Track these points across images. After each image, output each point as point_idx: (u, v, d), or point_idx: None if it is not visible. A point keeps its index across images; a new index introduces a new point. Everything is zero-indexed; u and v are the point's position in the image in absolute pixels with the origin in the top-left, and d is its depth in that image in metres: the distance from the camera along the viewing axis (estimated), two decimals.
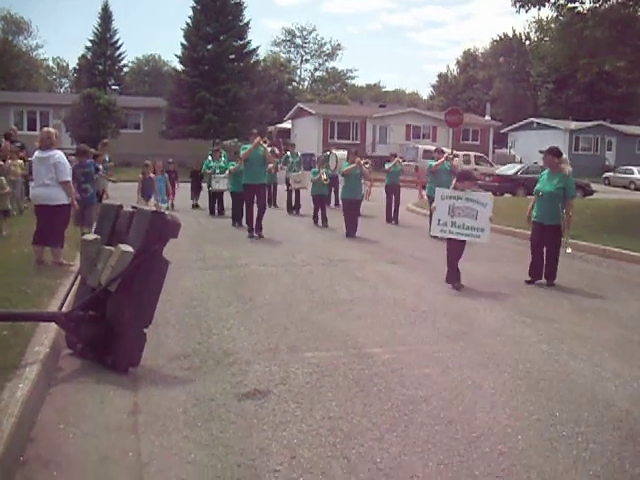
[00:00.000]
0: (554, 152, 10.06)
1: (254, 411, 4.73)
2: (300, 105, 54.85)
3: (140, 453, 4.07)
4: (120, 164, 29.49)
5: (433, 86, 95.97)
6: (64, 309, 5.89)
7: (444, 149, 17.71)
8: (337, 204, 18.98)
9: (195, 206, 19.77)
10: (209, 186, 18.57)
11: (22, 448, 4.03)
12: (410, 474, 3.86)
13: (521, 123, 55.33)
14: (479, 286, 9.54)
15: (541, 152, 10.07)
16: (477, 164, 36.34)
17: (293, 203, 19.17)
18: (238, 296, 8.48)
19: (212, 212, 18.44)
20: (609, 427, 4.63)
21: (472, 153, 38.45)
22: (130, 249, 5.50)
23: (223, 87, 40.48)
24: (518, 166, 32.05)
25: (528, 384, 5.46)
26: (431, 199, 14.71)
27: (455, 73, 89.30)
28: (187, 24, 42.77)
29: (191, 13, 42.68)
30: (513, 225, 15.53)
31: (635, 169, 41.51)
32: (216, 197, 18.46)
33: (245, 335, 6.68)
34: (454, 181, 10.01)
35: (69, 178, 9.26)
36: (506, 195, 28.28)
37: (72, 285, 6.16)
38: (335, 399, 4.99)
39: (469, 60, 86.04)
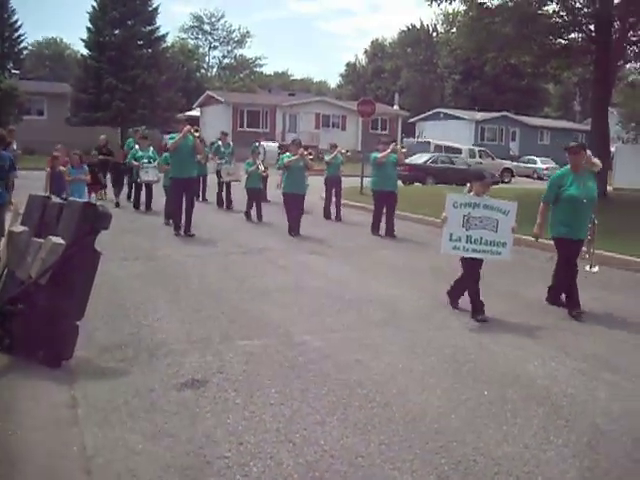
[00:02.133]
0: (585, 147, 8.22)
1: (195, 400, 4.79)
2: (209, 93, 54.24)
3: (85, 446, 4.06)
4: (24, 152, 28.49)
5: (342, 75, 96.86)
6: None
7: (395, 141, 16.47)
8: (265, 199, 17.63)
9: (116, 204, 16.96)
10: (137, 178, 16.66)
11: None
12: (355, 454, 4.02)
13: (428, 113, 56.59)
14: (400, 274, 9.84)
15: (566, 149, 8.12)
16: (481, 158, 37.23)
17: (224, 197, 17.83)
18: (164, 287, 8.45)
19: (137, 206, 16.76)
20: (533, 403, 4.95)
21: (476, 148, 38.96)
22: (61, 241, 5.43)
23: (131, 73, 39.72)
24: (427, 155, 32.86)
25: (455, 367, 5.73)
26: (376, 193, 14.06)
27: (363, 63, 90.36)
28: (93, 7, 41.57)
29: None
30: (423, 213, 16.15)
31: (538, 159, 43.26)
32: (141, 189, 16.74)
33: (176, 325, 6.70)
34: (468, 184, 8.11)
35: None
36: (416, 184, 29.01)
37: None
38: (273, 386, 5.10)
39: (377, 50, 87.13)
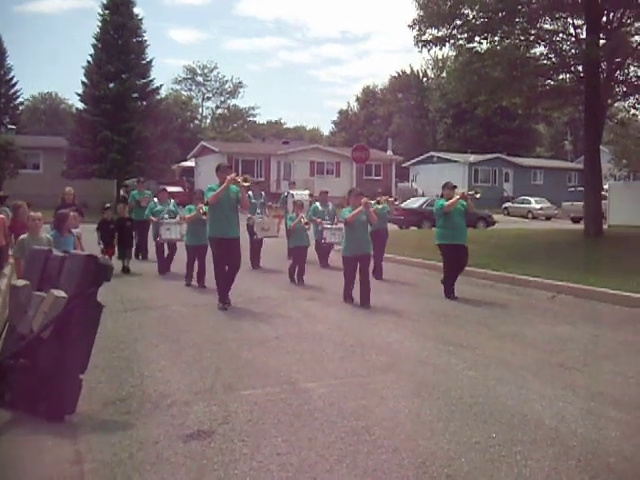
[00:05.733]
0: None
1: (202, 451, 4.72)
2: (204, 143, 54.73)
3: None
4: None
5: (334, 122, 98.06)
6: None
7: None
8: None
9: (125, 269, 14.34)
10: (156, 236, 14.76)
11: None
12: None
13: (422, 157, 57.15)
14: (400, 318, 9.82)
15: None
16: None
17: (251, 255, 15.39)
18: (164, 337, 8.40)
19: (163, 270, 14.31)
20: (543, 444, 4.89)
21: None
22: (63, 294, 5.42)
23: (126, 126, 40.00)
24: (422, 199, 33.06)
25: (462, 409, 5.68)
26: (443, 247, 11.92)
27: (355, 109, 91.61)
28: (88, 62, 42.09)
29: (92, 51, 42.14)
30: (422, 257, 16.14)
31: (532, 199, 43.60)
32: (163, 249, 14.57)
33: (179, 376, 6.64)
34: None
35: None
36: (412, 228, 29.17)
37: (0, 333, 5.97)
38: (280, 435, 5.04)
39: (369, 96, 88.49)
